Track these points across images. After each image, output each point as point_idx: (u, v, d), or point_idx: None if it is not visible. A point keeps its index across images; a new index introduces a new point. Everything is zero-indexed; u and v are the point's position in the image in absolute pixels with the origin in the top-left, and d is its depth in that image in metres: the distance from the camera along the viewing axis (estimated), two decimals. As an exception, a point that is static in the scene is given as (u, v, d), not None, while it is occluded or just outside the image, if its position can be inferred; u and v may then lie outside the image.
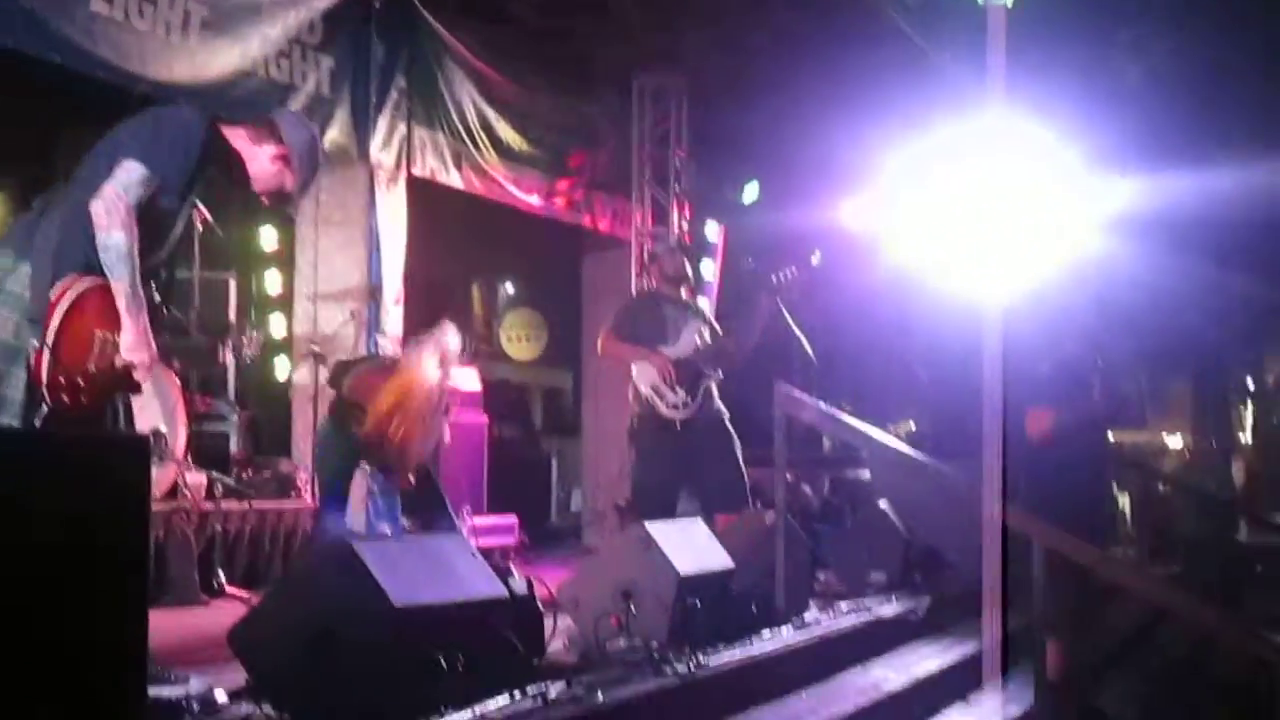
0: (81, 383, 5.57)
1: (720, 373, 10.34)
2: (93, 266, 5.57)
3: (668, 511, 10.00)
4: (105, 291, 5.58)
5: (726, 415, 10.31)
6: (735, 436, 10.28)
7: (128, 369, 5.67)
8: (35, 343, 5.44)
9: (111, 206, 5.54)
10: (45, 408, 5.53)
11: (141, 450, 4.20)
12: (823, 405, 9.67)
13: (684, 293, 10.73)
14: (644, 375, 10.26)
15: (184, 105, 6.15)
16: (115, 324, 5.61)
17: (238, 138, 6.08)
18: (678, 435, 10.18)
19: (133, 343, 5.63)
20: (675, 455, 10.19)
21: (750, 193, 16.22)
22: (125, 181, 5.57)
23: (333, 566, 5.81)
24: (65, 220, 5.66)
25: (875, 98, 13.54)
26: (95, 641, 3.75)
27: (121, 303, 5.59)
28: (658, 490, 10.26)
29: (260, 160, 6.09)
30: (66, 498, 3.71)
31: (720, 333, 10.49)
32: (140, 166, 5.60)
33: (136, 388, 5.87)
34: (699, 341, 10.29)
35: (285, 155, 6.09)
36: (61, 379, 5.50)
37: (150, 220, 5.70)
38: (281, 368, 14.27)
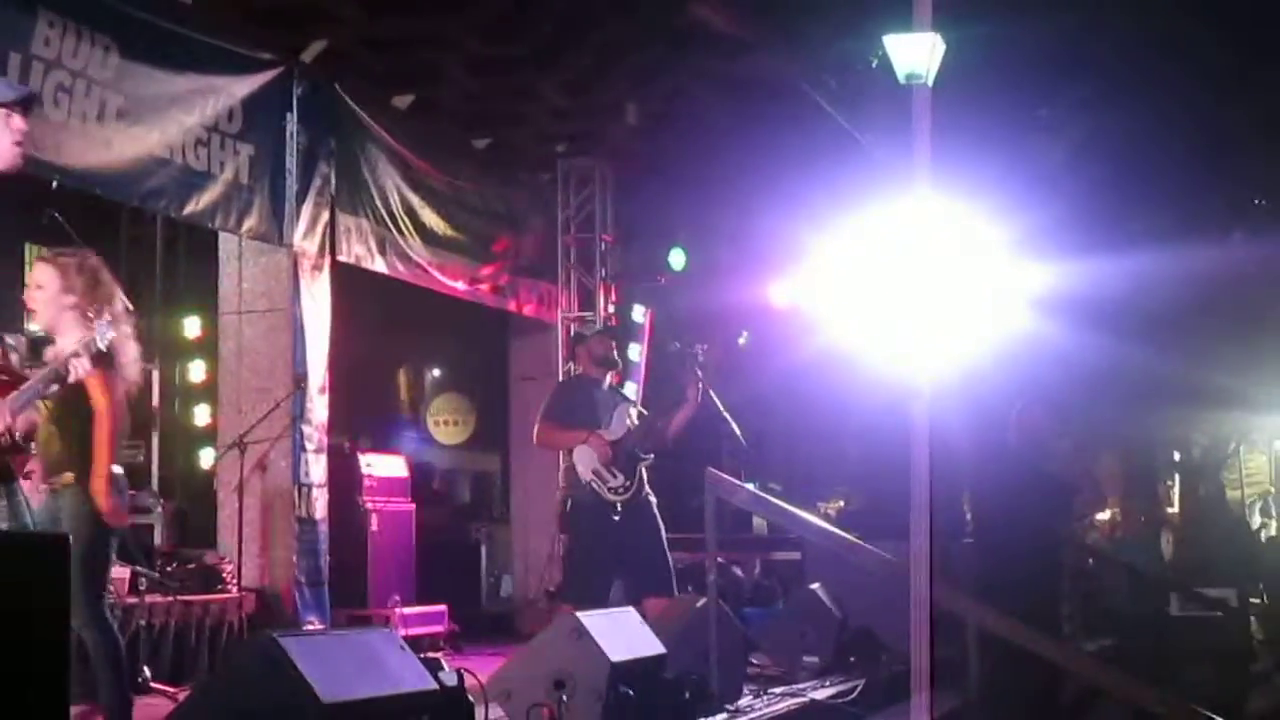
0: None
1: (652, 456, 10.30)
2: None
3: (602, 596, 9.95)
4: None
5: (655, 501, 10.27)
6: (660, 521, 10.24)
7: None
8: None
9: None
10: None
11: (61, 548, 4.12)
12: (753, 488, 9.65)
13: (610, 376, 10.71)
14: (584, 459, 10.22)
15: None
16: None
17: None
18: (615, 519, 10.14)
19: None
20: (611, 540, 10.16)
21: (677, 259, 16.19)
22: None
23: (259, 662, 5.71)
24: None
25: (802, 177, 13.58)
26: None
27: None
28: (594, 575, 10.22)
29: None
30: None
31: (646, 414, 10.47)
32: None
33: (17, 449, 5.82)
34: (629, 424, 10.27)
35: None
36: None
37: None
38: (205, 458, 14.14)
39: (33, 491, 7.40)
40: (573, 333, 13.93)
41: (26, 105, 5.97)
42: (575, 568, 10.76)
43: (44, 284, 7.00)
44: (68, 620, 4.14)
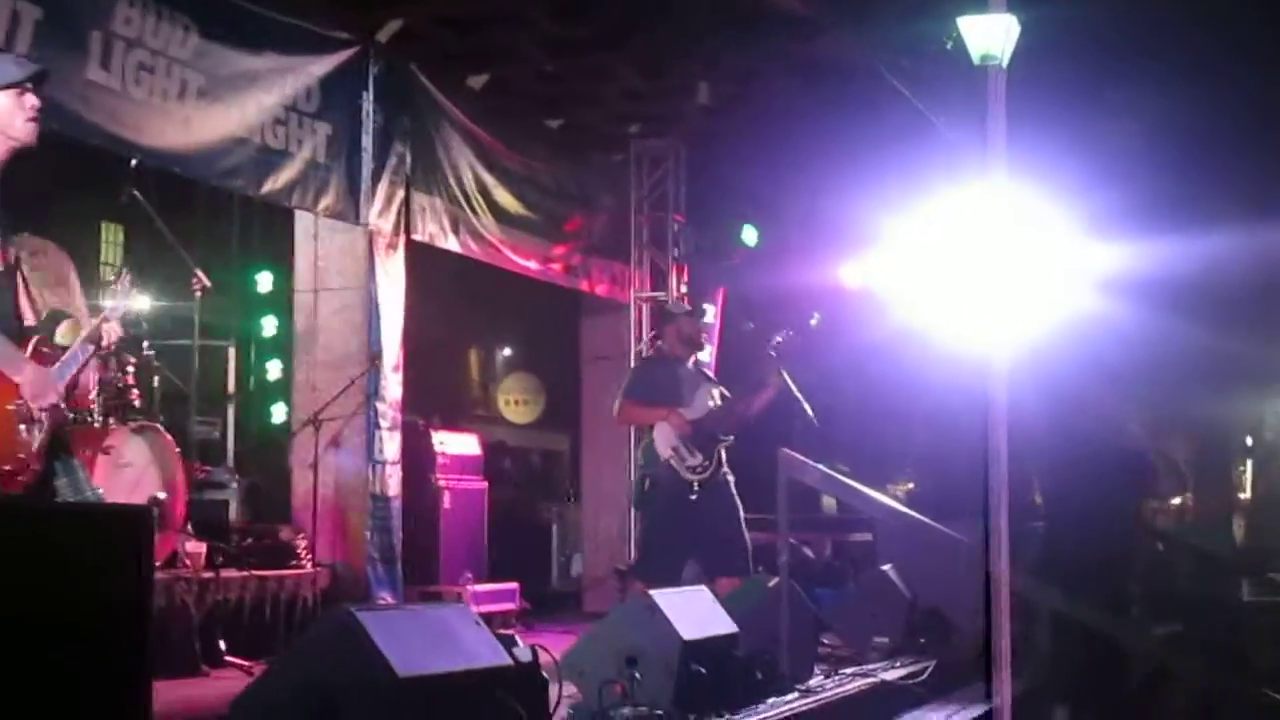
0: (23, 458, 5.58)
1: (731, 438, 10.34)
2: None
3: (675, 574, 10.01)
4: None
5: (733, 480, 10.30)
6: (739, 501, 10.27)
7: (52, 416, 5.69)
8: None
9: None
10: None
11: (144, 521, 4.17)
12: (825, 469, 9.66)
13: (695, 356, 10.76)
14: (664, 437, 10.29)
15: None
16: (14, 389, 5.62)
17: None
18: (692, 498, 10.19)
19: (34, 391, 5.66)
20: (687, 519, 10.21)
21: (749, 235, 16.20)
22: None
23: (335, 636, 5.76)
24: None
25: (875, 159, 13.56)
26: (100, 714, 3.71)
27: (1, 366, 5.60)
28: (668, 553, 10.28)
29: (9, 125, 5.94)
30: (70, 569, 3.69)
31: (729, 395, 10.50)
32: None
33: (66, 420, 5.88)
34: (711, 404, 10.31)
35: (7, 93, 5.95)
36: (6, 466, 5.52)
37: None
38: (280, 434, 14.24)
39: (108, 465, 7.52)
40: (662, 310, 13.93)
41: (39, 81, 6.03)
42: (650, 545, 10.82)
43: None
44: (150, 591, 4.19)
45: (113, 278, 6.48)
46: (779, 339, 10.39)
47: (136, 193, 9.47)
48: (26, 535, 3.68)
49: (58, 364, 5.87)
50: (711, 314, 16.31)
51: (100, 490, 6.32)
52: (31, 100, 5.90)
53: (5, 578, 3.51)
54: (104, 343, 6.25)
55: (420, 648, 5.81)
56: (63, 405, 5.81)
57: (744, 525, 10.29)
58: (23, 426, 5.63)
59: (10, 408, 5.60)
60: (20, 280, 5.96)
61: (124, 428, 9.61)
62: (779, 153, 14.82)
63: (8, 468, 5.54)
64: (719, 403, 10.39)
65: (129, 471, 9.45)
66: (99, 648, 3.74)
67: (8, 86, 5.89)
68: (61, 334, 6.10)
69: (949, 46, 11.68)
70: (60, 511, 4.72)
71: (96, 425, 9.34)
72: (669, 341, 10.99)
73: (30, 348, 5.78)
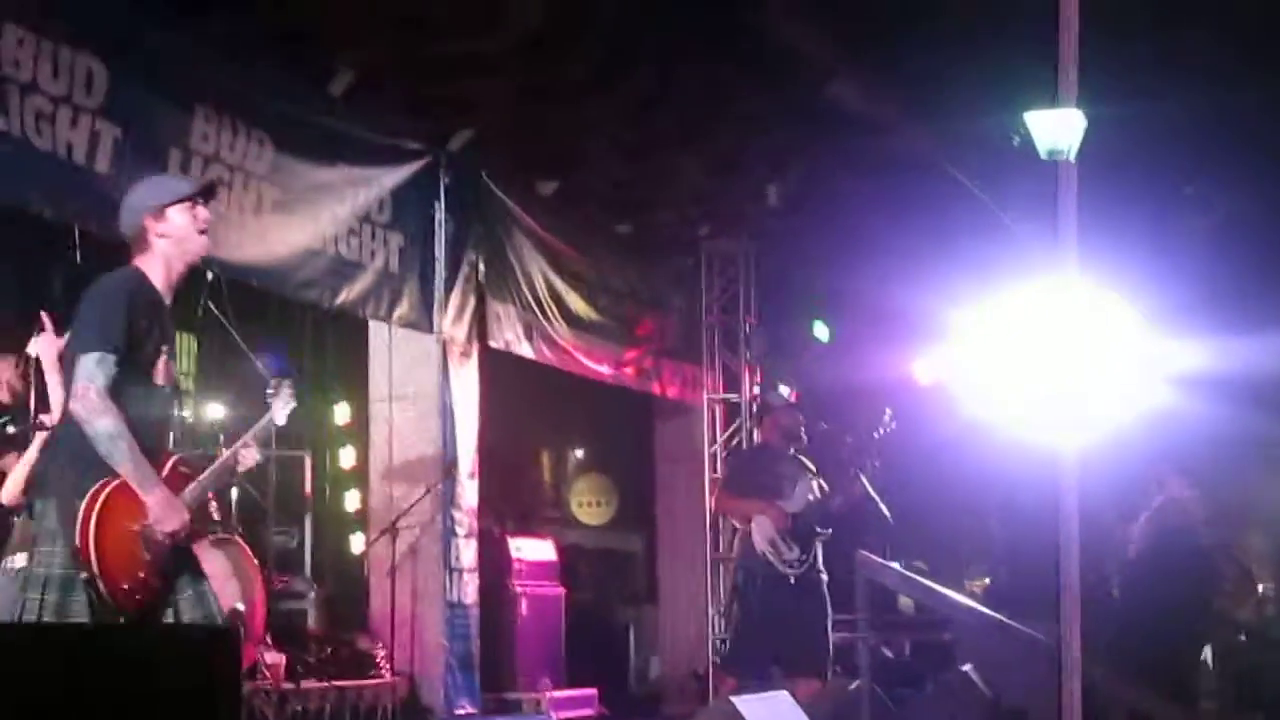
0: (143, 576, 5.61)
1: (830, 531, 10.32)
2: (105, 467, 5.61)
3: (764, 669, 9.99)
4: (125, 484, 5.62)
5: (826, 579, 10.28)
6: (828, 600, 10.25)
7: (174, 542, 5.72)
8: (84, 574, 5.48)
9: (85, 400, 5.54)
10: (121, 617, 5.58)
11: (231, 638, 4.21)
12: (901, 569, 9.63)
13: (795, 448, 10.75)
14: (762, 529, 10.28)
15: (117, 270, 6.08)
16: (142, 510, 5.65)
17: (144, 258, 5.95)
18: (786, 592, 10.18)
19: (159, 515, 5.67)
20: (780, 613, 10.17)
21: (821, 331, 16.22)
22: (85, 372, 5.57)
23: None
24: (65, 438, 5.71)
25: (944, 253, 13.57)
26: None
27: (134, 482, 5.62)
28: (758, 647, 10.26)
29: (185, 242, 6.01)
30: (159, 689, 3.71)
31: (828, 490, 10.49)
32: (90, 354, 5.60)
33: (199, 535, 5.92)
34: (812, 497, 10.30)
35: (181, 209, 6.02)
36: (124, 585, 5.55)
37: (132, 383, 5.72)
38: (356, 543, 14.28)
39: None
40: (761, 402, 13.92)
41: (208, 195, 6.14)
42: (742, 637, 10.78)
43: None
44: (239, 708, 4.22)
45: (270, 391, 6.49)
46: (885, 419, 10.42)
47: (212, 305, 9.55)
48: (118, 658, 3.72)
49: (190, 487, 5.91)
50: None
51: (224, 610, 6.33)
52: (203, 214, 6.00)
53: (98, 700, 3.54)
54: (240, 468, 6.32)
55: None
56: (185, 529, 5.84)
57: (830, 627, 10.26)
58: (145, 548, 5.67)
59: (135, 528, 5.64)
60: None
61: (204, 540, 9.65)
62: (848, 249, 14.85)
63: (125, 587, 5.58)
64: (818, 496, 10.38)
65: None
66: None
67: (179, 202, 6.00)
68: None
69: (1016, 143, 11.70)
70: (148, 633, 4.76)
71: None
72: (767, 433, 11.02)
73: (168, 468, 5.83)
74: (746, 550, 10.42)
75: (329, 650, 11.18)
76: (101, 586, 5.49)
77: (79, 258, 8.96)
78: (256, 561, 10.03)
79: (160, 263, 5.93)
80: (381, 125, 11.40)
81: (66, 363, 5.79)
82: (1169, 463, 10.41)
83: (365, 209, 11.18)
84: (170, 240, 5.94)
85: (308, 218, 10.60)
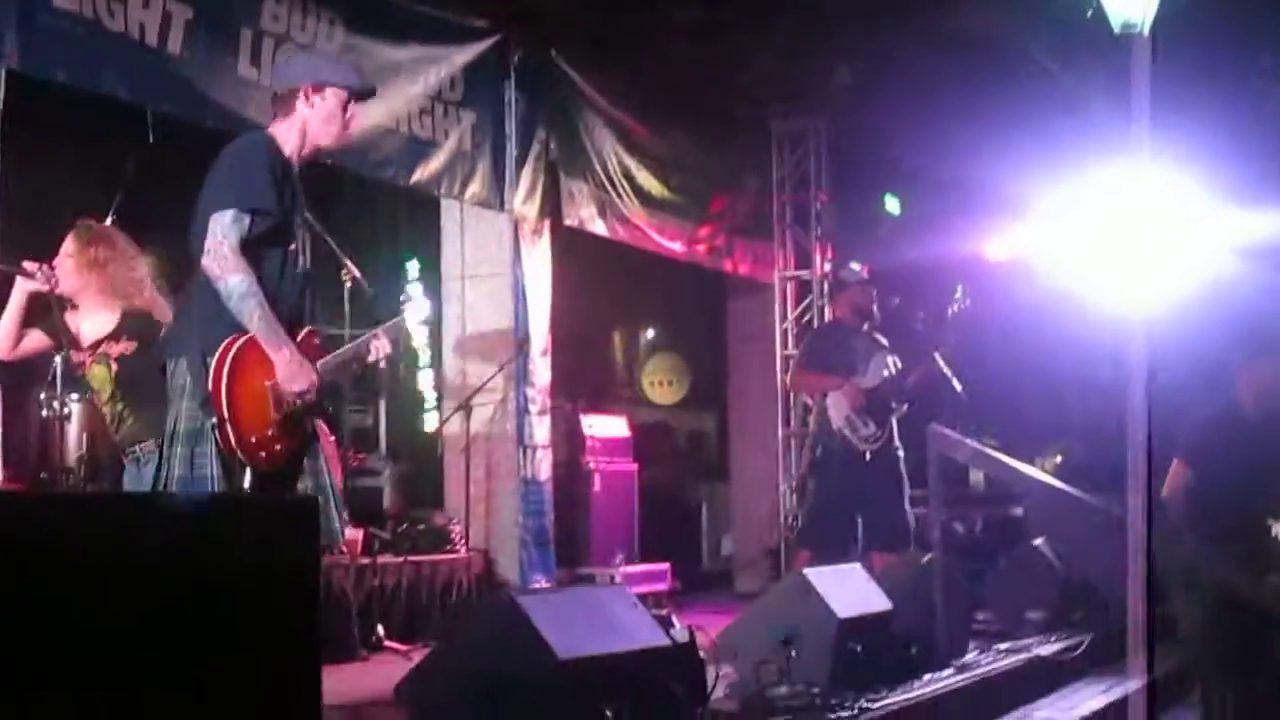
0: (272, 433, 5.71)
1: (905, 406, 10.35)
2: (237, 324, 5.68)
3: (842, 543, 10.05)
4: (255, 342, 5.69)
5: (903, 455, 10.31)
6: (905, 476, 10.28)
7: (305, 401, 5.80)
8: (213, 420, 5.56)
9: (217, 256, 5.63)
10: (248, 471, 5.67)
11: (311, 509, 4.25)
12: (975, 444, 9.64)
13: (869, 324, 10.75)
14: (837, 406, 10.33)
15: (247, 132, 6.14)
16: (270, 368, 5.73)
17: (278, 125, 6.09)
18: (862, 468, 10.23)
19: (287, 374, 5.77)
20: (857, 488, 10.24)
21: (893, 205, 16.19)
22: (220, 229, 5.66)
23: (497, 620, 5.85)
24: (198, 296, 5.77)
25: (1017, 131, 13.46)
26: (272, 699, 3.79)
27: (263, 339, 5.69)
28: (835, 521, 10.33)
29: (309, 120, 6.08)
30: (240, 559, 3.76)
31: (903, 365, 10.51)
32: (225, 211, 5.69)
33: (320, 411, 6.01)
34: (887, 373, 10.32)
35: (309, 89, 6.07)
36: (252, 439, 5.65)
37: (267, 245, 5.83)
38: (430, 420, 14.39)
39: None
40: (835, 278, 13.90)
41: (365, 96, 6.23)
42: (818, 513, 10.83)
43: (70, 253, 7.39)
44: (318, 579, 4.28)
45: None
46: (958, 295, 10.42)
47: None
48: (197, 526, 3.77)
49: (322, 360, 6.00)
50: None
51: (337, 484, 6.42)
52: (354, 112, 6.08)
53: (178, 569, 3.59)
54: (371, 358, 6.40)
55: (580, 630, 5.88)
56: (314, 396, 5.93)
57: (908, 501, 10.31)
58: (274, 405, 5.76)
59: (265, 384, 5.73)
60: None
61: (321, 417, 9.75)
62: (921, 127, 14.74)
63: (254, 440, 5.68)
64: (893, 371, 10.40)
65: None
66: (271, 635, 3.81)
67: (342, 88, 6.07)
68: None
69: (1090, 15, 11.59)
70: (228, 501, 4.83)
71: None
72: (840, 310, 11.05)
73: (300, 336, 5.91)
74: (823, 426, 10.46)
75: (405, 526, 11.29)
76: (230, 434, 5.59)
77: (152, 139, 9.02)
78: (334, 438, 10.11)
79: (297, 133, 6.02)
80: (451, 3, 11.38)
81: (199, 221, 5.84)
82: (1244, 333, 10.33)
83: (437, 87, 11.19)
84: (317, 116, 6.01)
85: (381, 96, 10.57)
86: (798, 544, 11.18)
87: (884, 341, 10.77)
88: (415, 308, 6.67)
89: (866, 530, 10.34)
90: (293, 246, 5.97)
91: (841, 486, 10.35)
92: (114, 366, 7.36)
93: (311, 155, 6.10)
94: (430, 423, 14.35)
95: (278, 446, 5.78)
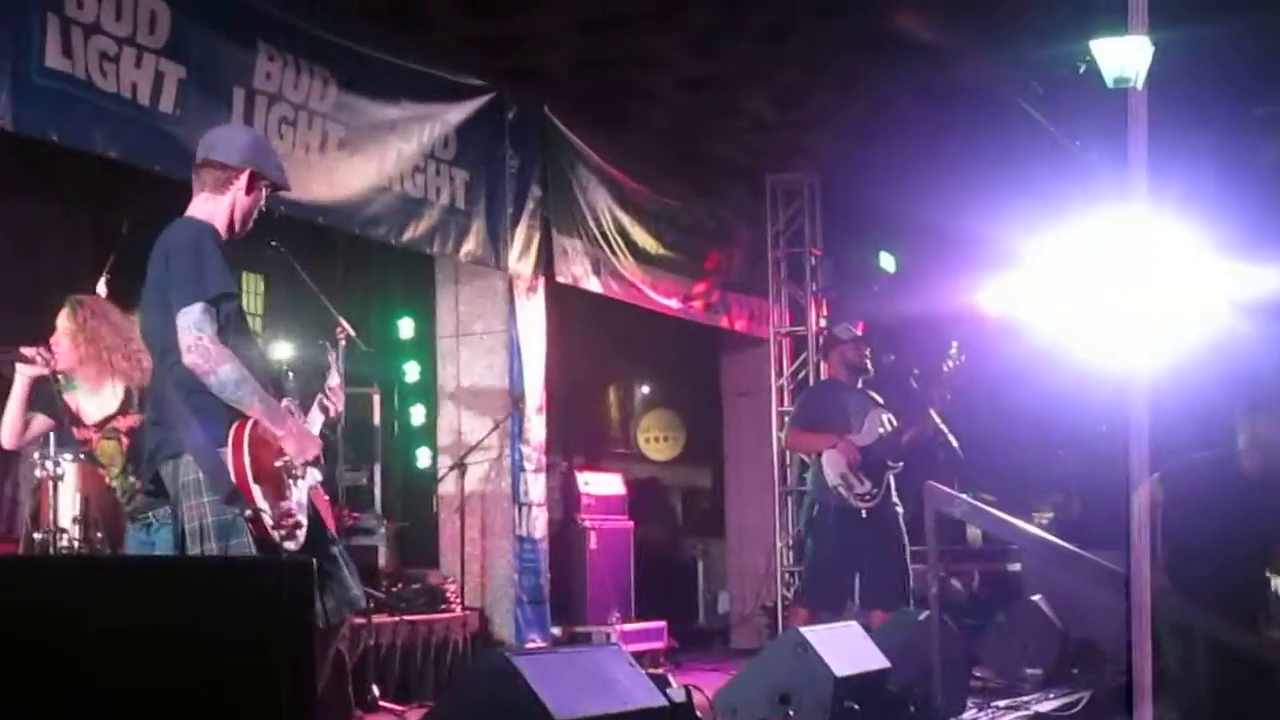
0: (294, 510, 5.71)
1: (901, 464, 10.33)
2: (232, 412, 5.65)
3: (840, 601, 10.02)
4: (258, 425, 5.66)
5: (901, 512, 10.28)
6: (904, 533, 10.25)
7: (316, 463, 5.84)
8: (247, 511, 5.53)
9: (200, 351, 5.58)
10: (284, 548, 5.66)
11: (306, 571, 4.22)
12: (971, 500, 9.61)
13: (863, 381, 10.73)
14: (833, 464, 10.29)
15: (173, 225, 6.09)
16: (279, 447, 5.72)
17: (207, 201, 6.03)
18: (860, 526, 10.20)
19: (298, 447, 5.80)
20: (855, 546, 10.21)
21: (887, 262, 16.20)
22: (193, 324, 5.60)
23: (492, 680, 5.82)
24: (176, 392, 5.73)
25: (1010, 183, 13.48)
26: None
27: (266, 419, 5.67)
28: (833, 580, 10.29)
29: (239, 202, 6.03)
30: (239, 620, 3.74)
31: (898, 423, 10.48)
32: (192, 306, 5.62)
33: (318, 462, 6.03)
34: (881, 430, 10.29)
35: (251, 174, 6.03)
36: (288, 519, 5.63)
37: (232, 328, 5.78)
38: (425, 479, 14.36)
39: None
40: (828, 335, 13.89)
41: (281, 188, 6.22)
42: (816, 572, 10.79)
43: (65, 329, 7.46)
44: (313, 641, 4.25)
45: (334, 344, 6.62)
46: (953, 353, 10.40)
47: (276, 244, 9.58)
48: (194, 588, 3.74)
49: (305, 422, 6.01)
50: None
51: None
52: (263, 192, 6.05)
53: (175, 631, 3.56)
54: (331, 412, 6.39)
55: (576, 690, 5.84)
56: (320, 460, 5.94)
57: (907, 559, 10.27)
58: (290, 482, 5.75)
59: (278, 464, 5.71)
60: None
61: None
62: (914, 180, 14.75)
63: (285, 521, 5.66)
64: (888, 429, 10.37)
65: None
66: (265, 697, 3.78)
67: (275, 186, 6.08)
68: None
69: (1082, 70, 11.60)
70: (227, 566, 4.80)
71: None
72: (833, 367, 11.00)
73: (282, 407, 5.91)
74: (819, 484, 10.43)
75: (400, 585, 11.25)
76: (268, 521, 5.57)
77: (123, 228, 9.02)
78: (327, 498, 10.08)
79: (226, 212, 5.97)
80: (444, 61, 11.39)
81: (153, 328, 5.81)
82: (1246, 394, 10.30)
83: (430, 146, 11.19)
84: (247, 203, 6.00)
85: (373, 155, 10.62)
86: (796, 602, 11.15)
87: (879, 399, 10.75)
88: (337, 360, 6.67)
89: (865, 588, 10.30)
90: (248, 324, 5.98)
91: (839, 544, 10.31)
92: (124, 441, 7.36)
93: (227, 242, 6.03)
94: (425, 482, 14.32)
95: (300, 519, 5.77)
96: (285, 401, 5.98)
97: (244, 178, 5.97)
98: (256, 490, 5.58)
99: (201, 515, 5.64)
